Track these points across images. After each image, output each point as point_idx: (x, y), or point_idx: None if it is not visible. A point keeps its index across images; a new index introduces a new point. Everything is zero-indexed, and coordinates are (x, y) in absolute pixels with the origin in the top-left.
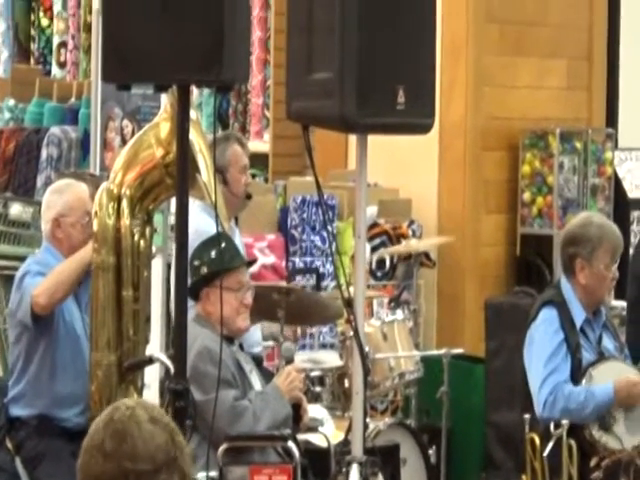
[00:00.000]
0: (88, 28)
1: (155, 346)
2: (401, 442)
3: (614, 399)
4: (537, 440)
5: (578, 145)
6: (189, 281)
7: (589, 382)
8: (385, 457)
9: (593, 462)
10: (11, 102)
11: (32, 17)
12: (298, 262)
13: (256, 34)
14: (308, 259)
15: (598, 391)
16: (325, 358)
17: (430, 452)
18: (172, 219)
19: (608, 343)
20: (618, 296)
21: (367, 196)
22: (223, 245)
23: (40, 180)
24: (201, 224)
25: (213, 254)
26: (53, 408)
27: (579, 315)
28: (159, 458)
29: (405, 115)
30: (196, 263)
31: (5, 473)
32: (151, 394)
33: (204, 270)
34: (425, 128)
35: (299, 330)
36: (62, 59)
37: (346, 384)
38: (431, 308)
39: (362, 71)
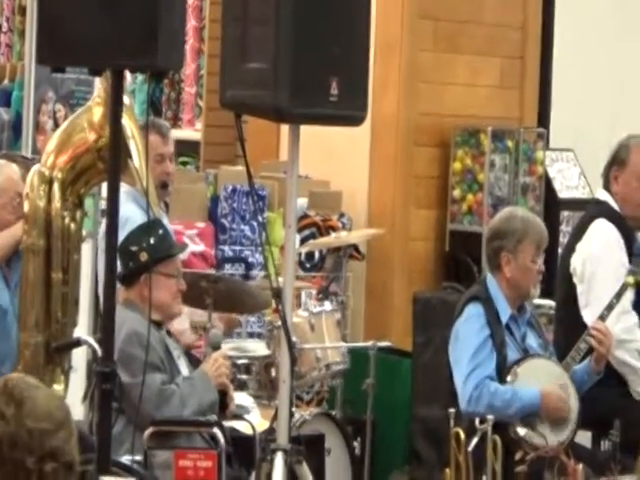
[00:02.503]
0: (23, 11)
1: (83, 329)
2: (326, 432)
3: (540, 406)
4: (462, 435)
5: (510, 144)
6: (123, 267)
7: (514, 379)
8: (310, 447)
9: (518, 456)
10: None
11: None
12: (227, 251)
13: (191, 23)
14: (237, 248)
15: (525, 394)
16: (252, 347)
17: (355, 444)
18: (103, 204)
19: (532, 340)
20: (546, 295)
21: (298, 187)
22: (161, 232)
23: None
24: (128, 211)
25: (153, 240)
26: None
27: (504, 312)
28: (57, 416)
29: (338, 107)
30: (133, 249)
31: None
32: (78, 377)
33: (144, 256)
34: (357, 120)
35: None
36: None
37: (273, 373)
38: (359, 301)
39: (296, 62)
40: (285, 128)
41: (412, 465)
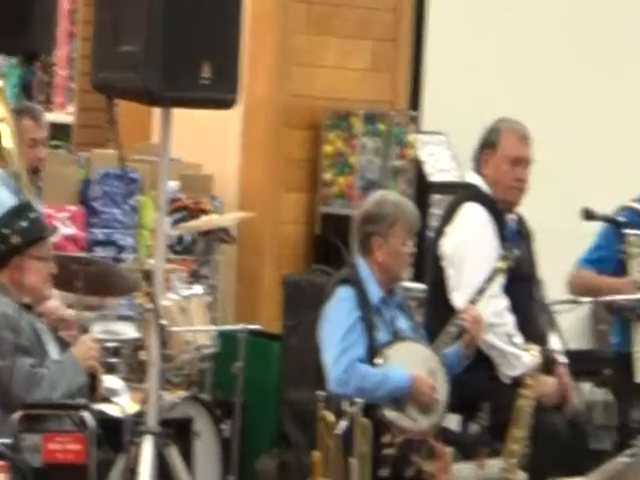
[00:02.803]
0: None
1: None
2: (195, 416)
3: (409, 391)
4: (330, 418)
5: (381, 127)
6: None
7: (384, 362)
8: (179, 430)
9: (386, 439)
10: None
11: None
12: (98, 234)
13: (64, 6)
14: (108, 231)
15: (394, 377)
16: (122, 330)
17: (224, 426)
18: None
19: (402, 323)
20: (416, 279)
21: (169, 170)
22: (32, 215)
23: None
24: None
25: (25, 223)
26: None
27: (375, 294)
28: None
29: (209, 90)
30: (5, 232)
31: None
32: None
33: (16, 239)
34: (229, 103)
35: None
36: None
37: (142, 356)
38: (229, 284)
39: (167, 45)
40: (157, 111)
41: (281, 448)
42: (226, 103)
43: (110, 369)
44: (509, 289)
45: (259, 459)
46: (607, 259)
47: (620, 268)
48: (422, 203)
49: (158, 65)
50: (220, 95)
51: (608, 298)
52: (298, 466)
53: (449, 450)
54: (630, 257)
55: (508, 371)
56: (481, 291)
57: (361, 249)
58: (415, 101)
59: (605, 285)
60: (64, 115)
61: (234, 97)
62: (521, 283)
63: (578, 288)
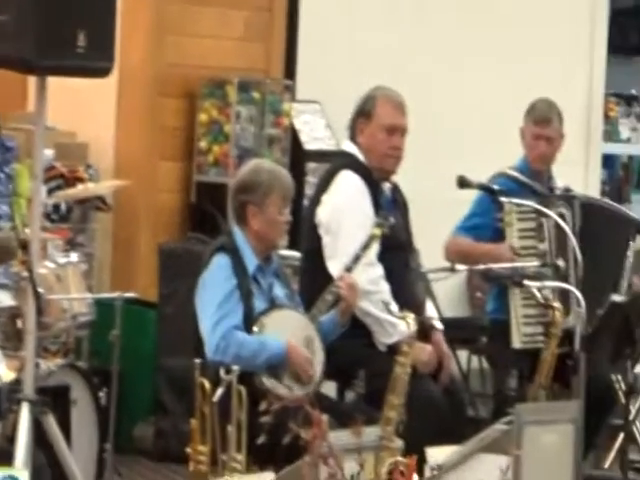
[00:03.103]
0: None
1: None
2: (72, 383)
3: (285, 358)
4: (207, 385)
5: (256, 95)
6: None
7: (261, 330)
8: (56, 397)
9: (262, 406)
10: None
11: None
12: None
13: None
14: None
15: (271, 345)
16: None
17: (101, 394)
18: None
19: (279, 291)
20: (292, 246)
21: (44, 139)
22: None
23: None
24: None
25: None
26: None
27: (251, 262)
28: None
29: (85, 58)
30: None
31: None
32: None
33: None
34: (104, 72)
35: None
36: None
37: (19, 324)
38: (106, 252)
39: (41, 14)
40: (32, 79)
41: (158, 416)
42: (101, 72)
43: None
44: (384, 257)
45: (136, 427)
46: (483, 226)
47: (497, 235)
48: (297, 171)
49: (31, 34)
50: (95, 64)
51: (484, 266)
52: (175, 433)
53: (325, 418)
54: (507, 225)
55: (384, 339)
56: (356, 258)
57: (237, 218)
58: (290, 70)
59: (481, 252)
60: None
61: (109, 66)
62: (396, 251)
63: (454, 255)
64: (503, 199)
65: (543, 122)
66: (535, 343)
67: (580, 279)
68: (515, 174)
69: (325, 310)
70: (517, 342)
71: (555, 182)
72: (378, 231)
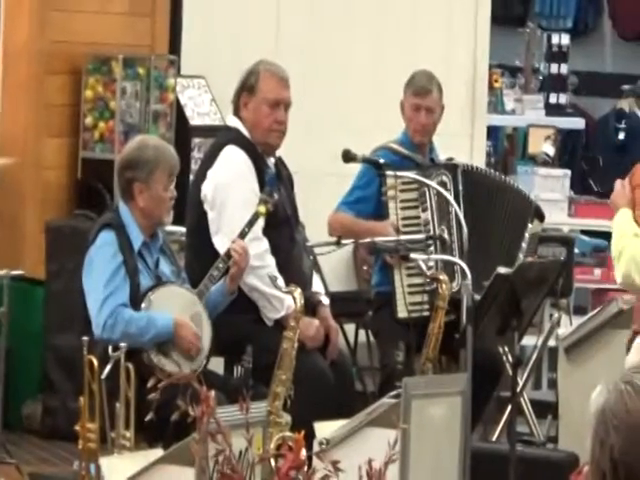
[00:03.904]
0: None
1: None
2: None
3: (173, 335)
4: (95, 363)
5: (141, 71)
6: None
7: (148, 307)
8: None
9: (150, 383)
10: None
11: None
12: None
13: None
14: None
15: (159, 321)
16: None
17: None
18: None
19: (165, 267)
20: (178, 222)
21: None
22: None
23: None
24: None
25: None
26: None
27: (137, 239)
28: None
29: None
30: None
31: None
32: None
33: None
34: None
35: None
36: None
37: None
38: None
39: None
40: None
41: (46, 394)
42: None
43: None
44: (270, 232)
45: (24, 405)
46: (365, 199)
47: (380, 208)
48: (183, 147)
49: None
50: None
51: (369, 240)
52: (64, 411)
53: (212, 394)
54: (389, 198)
55: (271, 314)
56: (242, 234)
57: (122, 194)
58: (174, 45)
59: (364, 229)
60: None
61: None
62: (282, 226)
63: (337, 232)
64: (388, 172)
65: (422, 93)
66: (421, 312)
67: (466, 248)
68: (396, 147)
69: (212, 286)
70: (402, 312)
71: (437, 155)
72: (263, 208)
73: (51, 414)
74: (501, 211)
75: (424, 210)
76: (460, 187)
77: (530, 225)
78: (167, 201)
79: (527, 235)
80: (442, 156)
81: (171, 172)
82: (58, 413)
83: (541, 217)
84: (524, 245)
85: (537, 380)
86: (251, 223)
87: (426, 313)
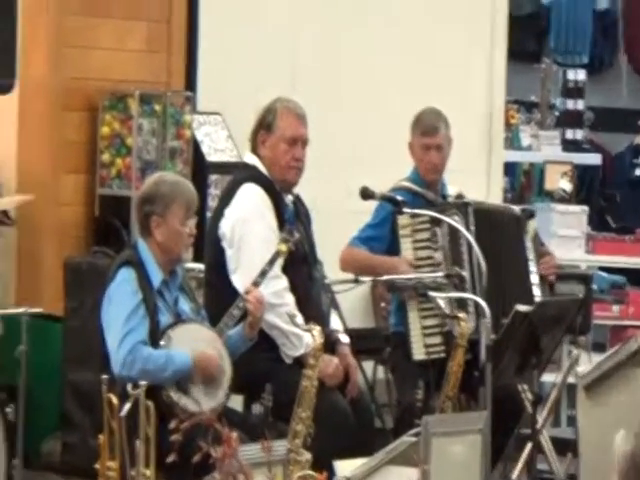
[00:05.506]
0: None
1: None
2: None
3: (193, 370)
4: (115, 400)
5: (157, 108)
6: None
7: (167, 344)
8: None
9: (173, 424)
10: None
11: None
12: None
13: None
14: None
15: (178, 359)
16: None
17: (8, 410)
18: None
19: (184, 305)
20: (197, 259)
21: None
22: None
23: None
24: None
25: None
26: None
27: (156, 276)
28: None
29: None
30: None
31: None
32: None
33: None
34: (6, 89)
35: None
36: None
37: None
38: (10, 267)
39: None
40: None
41: (64, 431)
42: (3, 89)
43: None
44: (288, 270)
45: (43, 442)
46: (379, 237)
47: (393, 247)
48: (200, 183)
49: None
50: None
51: (387, 277)
52: (83, 448)
53: (235, 435)
54: (402, 237)
55: (290, 351)
56: (263, 273)
57: (141, 230)
58: (190, 82)
59: (377, 263)
60: None
61: (11, 82)
62: (300, 264)
63: (349, 266)
64: (406, 210)
65: (431, 132)
66: (438, 354)
67: (484, 288)
68: (410, 185)
69: (232, 324)
70: (419, 354)
71: (447, 189)
72: (284, 247)
73: (70, 451)
74: (508, 242)
75: (436, 250)
76: (472, 227)
77: (526, 235)
78: (185, 236)
79: (529, 245)
80: (451, 191)
81: (188, 207)
82: (77, 450)
83: (531, 215)
84: (530, 254)
85: (556, 417)
86: (272, 262)
87: (441, 355)
